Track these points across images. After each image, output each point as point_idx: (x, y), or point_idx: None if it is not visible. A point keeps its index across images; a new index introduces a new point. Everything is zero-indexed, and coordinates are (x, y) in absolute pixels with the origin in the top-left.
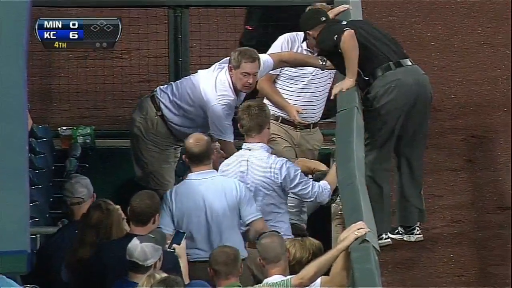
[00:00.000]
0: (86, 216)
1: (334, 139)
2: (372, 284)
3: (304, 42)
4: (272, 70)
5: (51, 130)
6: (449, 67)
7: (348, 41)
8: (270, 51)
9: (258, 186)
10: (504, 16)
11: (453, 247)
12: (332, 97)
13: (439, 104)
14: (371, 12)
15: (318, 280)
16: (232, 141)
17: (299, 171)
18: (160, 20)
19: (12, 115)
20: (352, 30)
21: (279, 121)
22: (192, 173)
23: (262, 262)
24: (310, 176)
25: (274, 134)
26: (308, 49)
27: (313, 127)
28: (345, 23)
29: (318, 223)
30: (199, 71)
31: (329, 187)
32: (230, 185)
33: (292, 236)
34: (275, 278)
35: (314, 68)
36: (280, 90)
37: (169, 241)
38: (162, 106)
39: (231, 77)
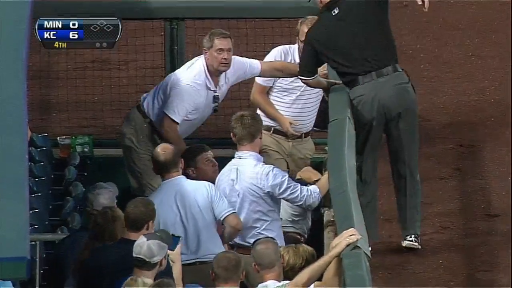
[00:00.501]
0: (93, 222)
1: (326, 148)
2: None
3: (297, 54)
4: (265, 77)
5: (50, 140)
6: (438, 78)
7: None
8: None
9: (246, 193)
10: (491, 29)
11: (442, 253)
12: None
13: (428, 114)
14: None
15: (312, 286)
16: (177, 123)
17: (286, 176)
18: (156, 32)
19: (12, 126)
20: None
21: (271, 131)
22: (163, 181)
23: (257, 267)
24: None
25: (266, 145)
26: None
27: (304, 137)
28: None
29: (311, 230)
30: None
31: (318, 190)
32: (199, 187)
33: (283, 244)
34: (270, 284)
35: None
36: (274, 102)
37: None
38: (149, 112)
39: (206, 62)
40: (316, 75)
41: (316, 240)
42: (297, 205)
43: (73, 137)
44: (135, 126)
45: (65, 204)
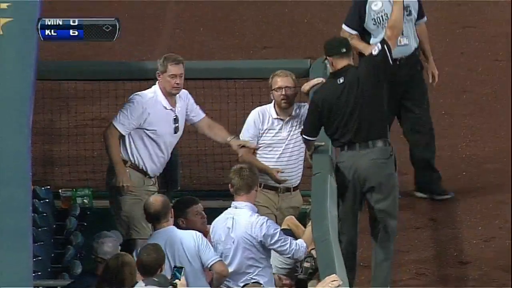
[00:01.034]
0: (104, 267)
1: (310, 200)
2: None
3: (273, 111)
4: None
5: (52, 192)
6: None
7: None
8: (244, 127)
9: (240, 241)
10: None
11: None
12: None
13: (405, 168)
14: None
15: None
16: (116, 129)
17: (279, 229)
18: None
19: (17, 179)
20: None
21: (261, 187)
22: (155, 231)
23: None
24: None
25: (256, 201)
26: (278, 117)
27: (293, 190)
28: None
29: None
30: None
31: (305, 245)
32: (187, 237)
33: None
34: None
35: (288, 133)
36: (261, 159)
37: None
38: (128, 156)
39: (159, 85)
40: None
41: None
42: (285, 257)
43: (74, 190)
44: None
45: (66, 252)
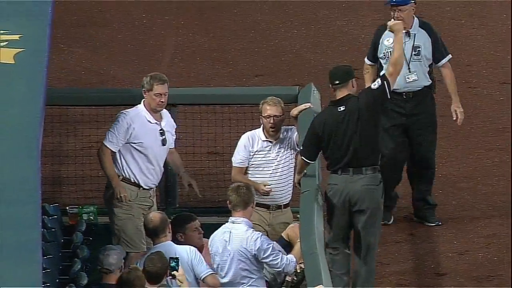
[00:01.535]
0: (119, 278)
1: (298, 216)
2: None
3: (262, 134)
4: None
5: (60, 209)
6: None
7: None
8: (236, 150)
9: (236, 254)
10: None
11: None
12: None
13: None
14: None
15: None
16: (108, 146)
17: (272, 244)
18: None
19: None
20: None
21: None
22: (154, 245)
23: None
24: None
25: None
26: (267, 139)
27: (284, 208)
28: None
29: None
30: None
31: (294, 260)
32: (182, 251)
33: None
34: None
35: (277, 154)
36: (253, 179)
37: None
38: (120, 171)
39: (144, 103)
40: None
41: None
42: (276, 270)
43: (80, 207)
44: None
45: (73, 264)
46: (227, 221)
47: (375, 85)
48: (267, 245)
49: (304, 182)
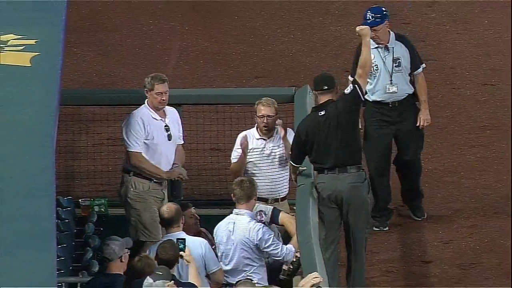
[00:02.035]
0: (131, 266)
1: (294, 208)
2: None
3: (256, 133)
4: None
5: (73, 201)
6: None
7: None
8: (234, 148)
9: (239, 243)
10: None
11: None
12: None
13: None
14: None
15: None
16: (136, 151)
17: (272, 235)
18: None
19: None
20: None
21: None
22: (166, 234)
23: None
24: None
25: None
26: (261, 137)
27: (281, 200)
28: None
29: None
30: None
31: (293, 249)
32: (196, 244)
33: (267, 284)
34: None
35: (270, 151)
36: (251, 175)
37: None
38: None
39: (147, 101)
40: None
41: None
42: (276, 258)
43: (92, 199)
44: (127, 185)
45: (85, 253)
46: (230, 213)
47: (348, 90)
48: (268, 236)
49: (300, 177)
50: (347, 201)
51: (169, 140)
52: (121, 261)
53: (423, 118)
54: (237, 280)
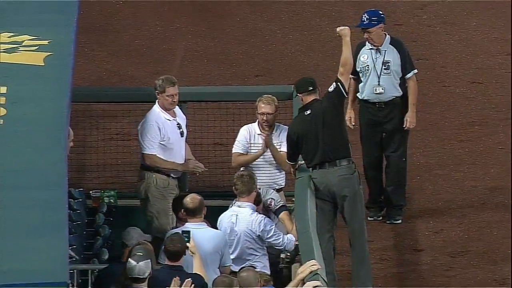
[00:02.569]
0: (130, 252)
1: (293, 199)
2: None
3: (257, 128)
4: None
5: (84, 193)
6: None
7: None
8: (236, 141)
9: (242, 234)
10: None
11: (381, 279)
12: None
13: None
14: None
15: None
16: (150, 153)
17: (274, 226)
18: None
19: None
20: None
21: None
22: (188, 223)
23: None
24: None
25: None
26: (261, 133)
27: (278, 192)
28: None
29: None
30: None
31: (294, 239)
32: (219, 234)
33: (269, 273)
34: None
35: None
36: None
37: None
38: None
39: (159, 102)
40: (297, 162)
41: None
42: (277, 248)
43: (102, 191)
44: (148, 182)
45: (96, 242)
46: (232, 204)
47: (331, 88)
48: (270, 227)
49: (299, 170)
50: (339, 193)
51: (182, 137)
52: None
53: (410, 121)
54: (240, 267)
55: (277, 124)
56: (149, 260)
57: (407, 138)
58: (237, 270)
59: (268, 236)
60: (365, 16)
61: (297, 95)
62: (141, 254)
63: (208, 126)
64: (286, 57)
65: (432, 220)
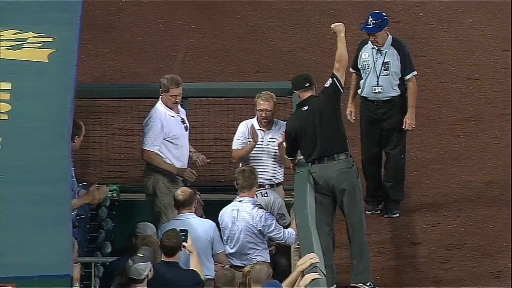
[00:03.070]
0: (132, 245)
1: (293, 193)
2: None
3: (256, 124)
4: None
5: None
6: None
7: None
8: (235, 136)
9: (243, 229)
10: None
11: (379, 271)
12: None
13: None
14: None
15: None
16: (149, 150)
17: (274, 220)
18: None
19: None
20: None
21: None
22: (178, 214)
23: (250, 280)
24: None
25: None
26: (260, 128)
27: (276, 186)
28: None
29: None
30: None
31: (294, 233)
32: (208, 225)
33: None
34: None
35: (268, 142)
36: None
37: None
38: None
39: (162, 100)
40: (296, 157)
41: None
42: (278, 242)
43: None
44: (153, 177)
45: (99, 235)
46: (234, 199)
47: (327, 83)
48: (270, 221)
49: (298, 165)
50: (338, 187)
51: (186, 131)
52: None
53: (409, 122)
54: (247, 262)
55: (276, 119)
56: (148, 263)
57: (406, 136)
58: (238, 264)
59: (269, 231)
60: (370, 20)
61: (294, 91)
62: (142, 256)
63: (209, 122)
64: (286, 54)
65: (429, 214)
